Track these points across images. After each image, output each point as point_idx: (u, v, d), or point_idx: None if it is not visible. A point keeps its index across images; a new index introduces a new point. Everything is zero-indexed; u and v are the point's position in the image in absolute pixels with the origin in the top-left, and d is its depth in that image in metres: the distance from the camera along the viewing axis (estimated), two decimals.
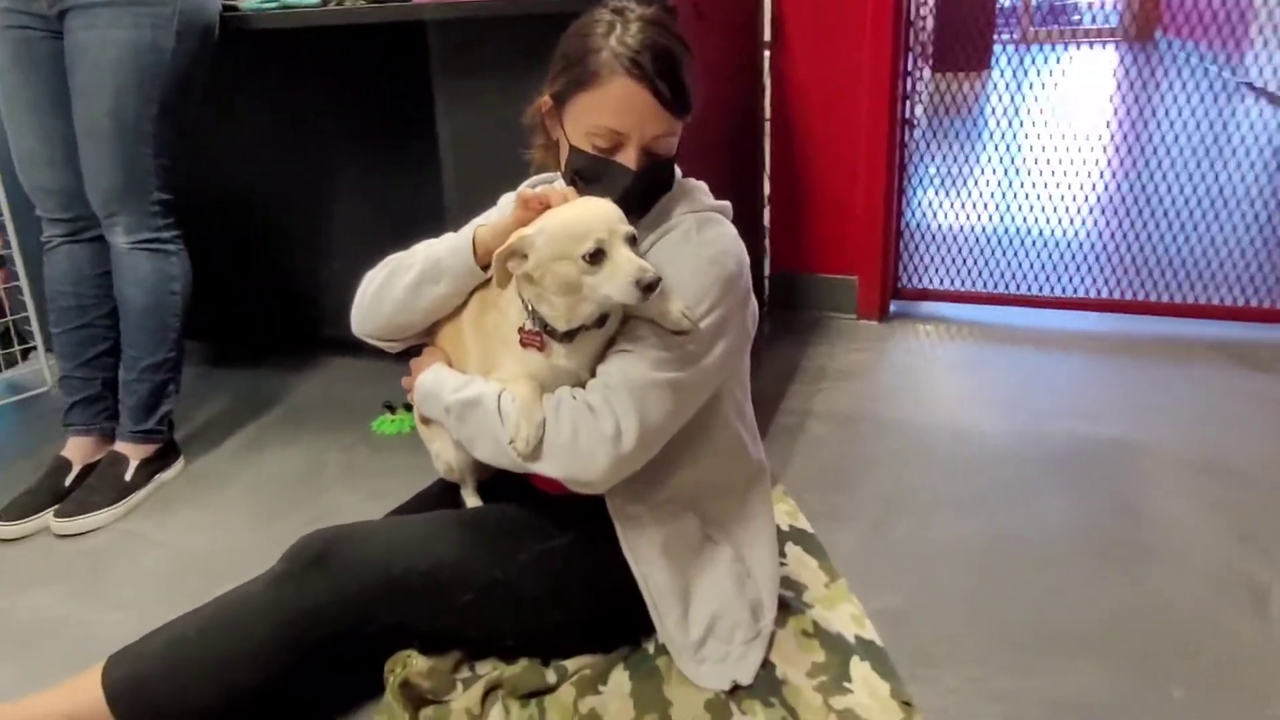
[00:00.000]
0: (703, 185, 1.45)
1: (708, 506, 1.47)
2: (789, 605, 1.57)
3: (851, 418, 2.38)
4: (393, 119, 2.55)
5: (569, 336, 1.30)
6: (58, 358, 2.22)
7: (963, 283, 3.19)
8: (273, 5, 2.15)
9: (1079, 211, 3.60)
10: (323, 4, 2.14)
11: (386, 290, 1.44)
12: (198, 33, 2.02)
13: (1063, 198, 3.32)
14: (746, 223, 2.98)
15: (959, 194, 3.25)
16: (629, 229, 1.24)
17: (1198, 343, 2.77)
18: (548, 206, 1.26)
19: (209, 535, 2.04)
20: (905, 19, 2.87)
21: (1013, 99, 3.16)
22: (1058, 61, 3.18)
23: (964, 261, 3.19)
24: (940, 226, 3.34)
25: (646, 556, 1.40)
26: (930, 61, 4.14)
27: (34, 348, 2.72)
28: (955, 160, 3.23)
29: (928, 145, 3.23)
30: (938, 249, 3.22)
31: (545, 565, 1.40)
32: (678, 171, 1.44)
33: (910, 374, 2.68)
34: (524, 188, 1.49)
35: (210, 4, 2.08)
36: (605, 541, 1.40)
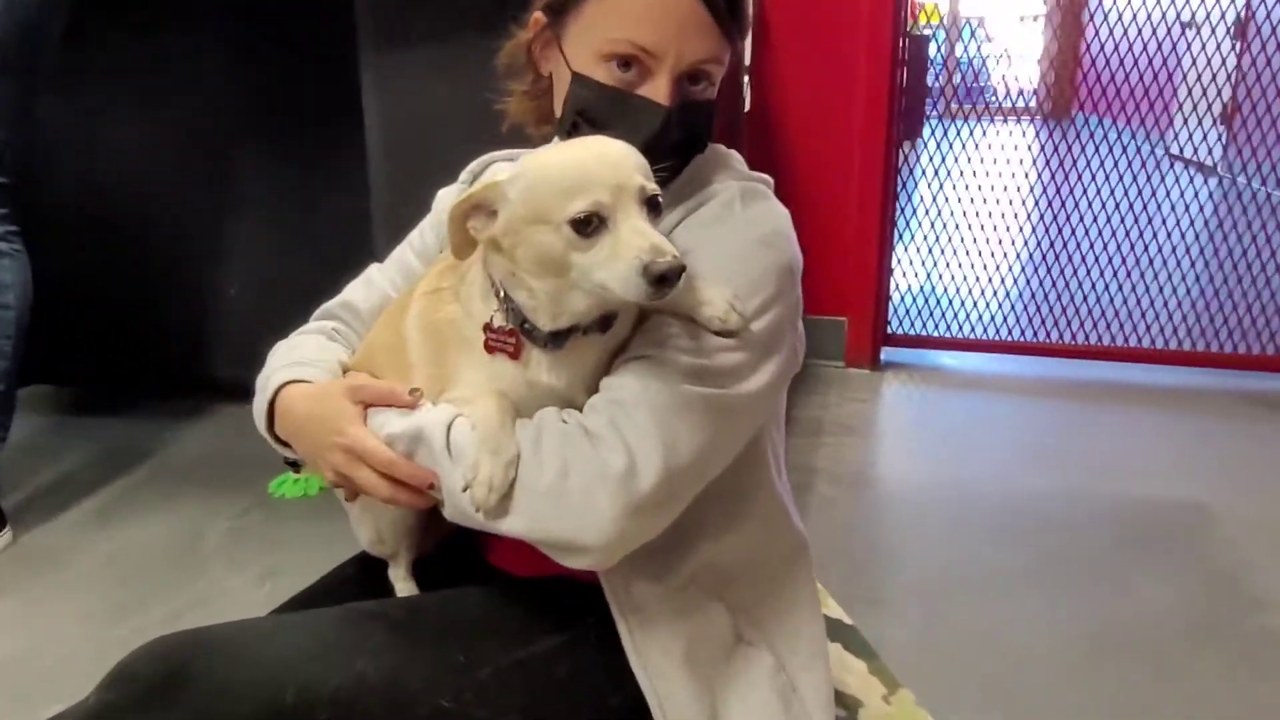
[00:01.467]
0: (736, 154, 1.13)
1: (740, 594, 1.11)
2: None
3: (864, 477, 2.15)
4: (308, 104, 2.24)
5: (556, 340, 0.92)
6: None
7: (949, 329, 3.09)
8: None
9: (1017, 265, 3.73)
10: None
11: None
12: None
13: (1002, 254, 3.39)
14: None
15: (907, 248, 3.33)
16: (649, 185, 0.88)
17: (1225, 394, 2.67)
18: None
19: (29, 635, 1.65)
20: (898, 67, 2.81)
21: (939, 167, 3.30)
22: (984, 134, 3.41)
23: (941, 309, 3.11)
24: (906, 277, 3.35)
25: (661, 667, 1.01)
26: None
27: None
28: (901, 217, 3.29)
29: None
30: (920, 296, 3.12)
31: (515, 684, 0.99)
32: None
33: (916, 428, 2.51)
34: (475, 167, 1.16)
35: None
36: (602, 647, 1.01)
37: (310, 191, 2.29)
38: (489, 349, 0.92)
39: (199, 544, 1.90)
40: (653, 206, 0.85)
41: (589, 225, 0.82)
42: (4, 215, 1.73)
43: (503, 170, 1.02)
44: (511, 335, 0.91)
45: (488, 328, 0.92)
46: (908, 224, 3.16)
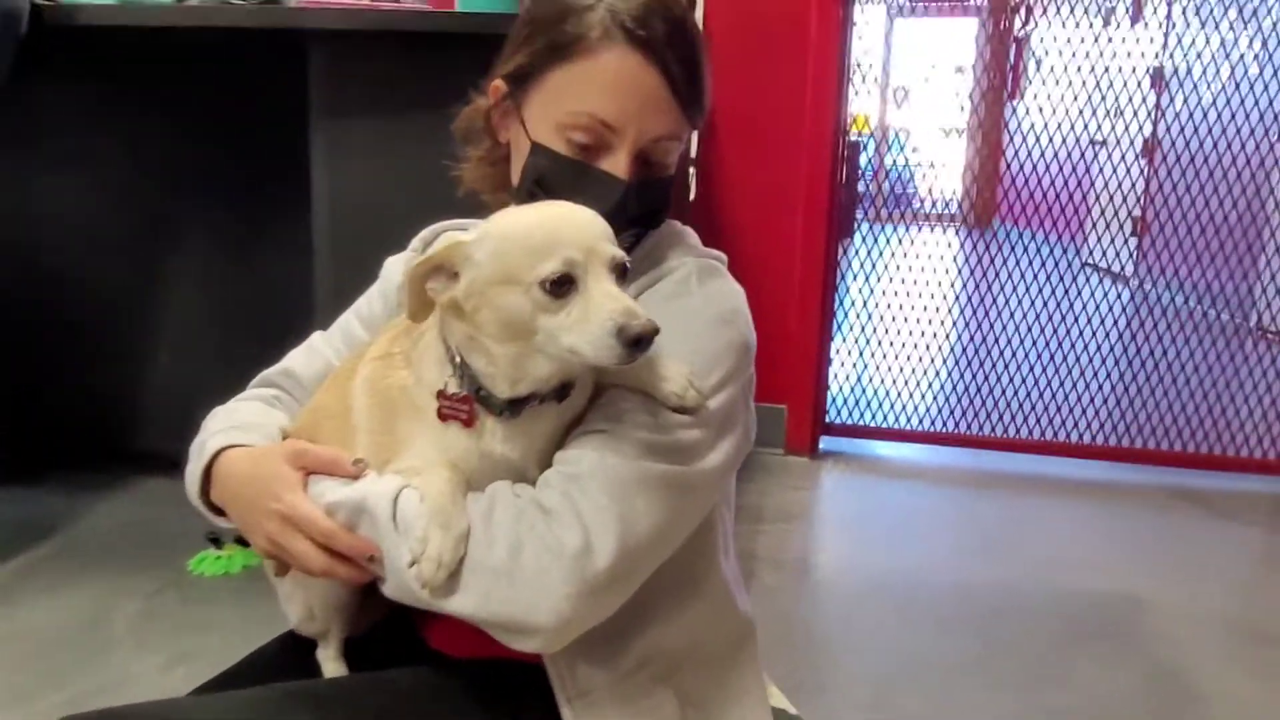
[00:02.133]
0: (690, 230, 1.12)
1: (688, 681, 1.05)
2: None
3: (806, 564, 2.13)
4: (253, 164, 2.18)
5: (512, 409, 0.88)
6: None
7: (884, 420, 3.12)
8: None
9: (940, 359, 3.78)
10: (176, 1, 1.72)
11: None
12: None
13: (934, 350, 3.48)
14: None
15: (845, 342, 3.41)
16: (617, 252, 0.86)
17: (1149, 488, 2.73)
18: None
19: None
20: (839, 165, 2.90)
21: (873, 265, 3.44)
22: (910, 240, 3.65)
23: (880, 401, 3.16)
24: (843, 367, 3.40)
25: None
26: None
27: None
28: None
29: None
30: (858, 386, 3.18)
31: None
32: None
33: (858, 517, 2.49)
34: (426, 235, 1.12)
35: None
36: None
37: (250, 259, 2.22)
38: (442, 416, 0.88)
39: (106, 625, 1.77)
40: (620, 273, 0.84)
41: (560, 287, 0.80)
42: None
43: (446, 242, 1.00)
44: (465, 402, 0.87)
45: (441, 394, 0.88)
46: (844, 319, 3.25)
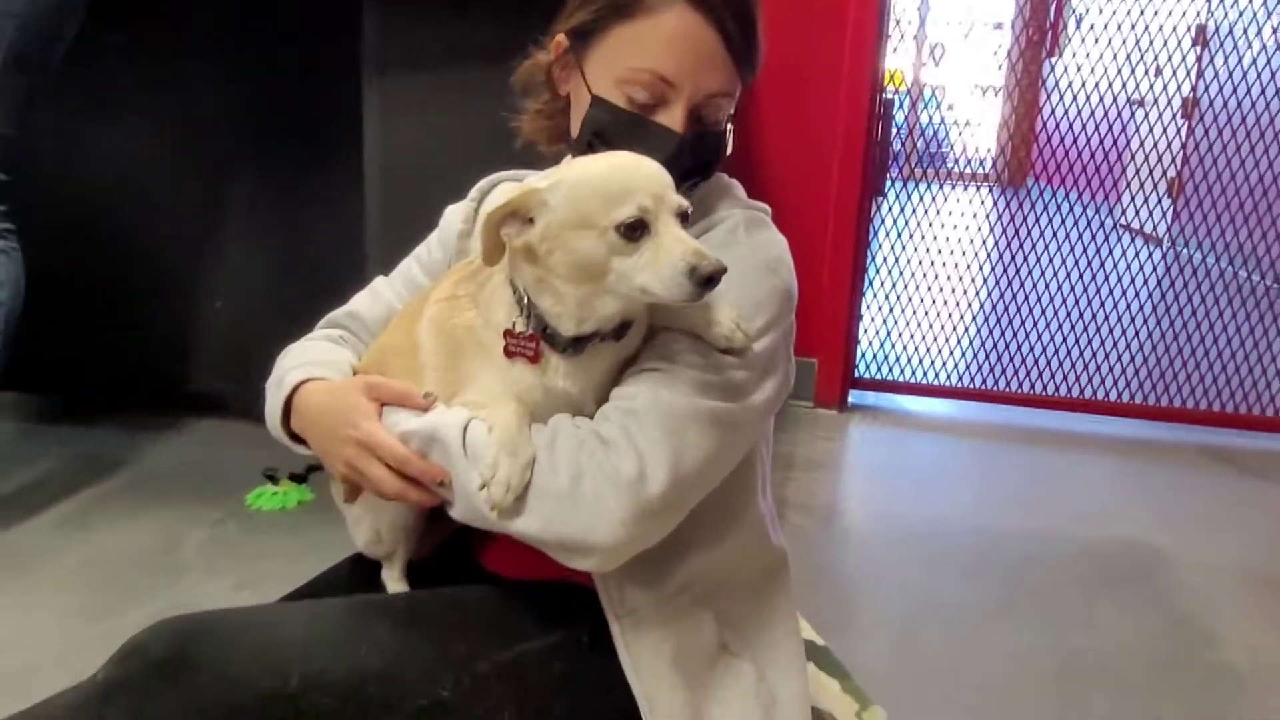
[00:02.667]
0: (736, 182, 1.17)
1: (726, 605, 1.12)
2: None
3: (834, 510, 2.16)
4: (308, 118, 2.20)
5: (575, 346, 0.95)
6: None
7: (912, 375, 3.13)
8: None
9: (970, 318, 3.80)
10: None
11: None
12: None
13: (964, 307, 3.49)
14: None
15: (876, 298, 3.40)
16: (681, 200, 0.91)
17: (1176, 446, 2.74)
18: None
19: (15, 633, 1.60)
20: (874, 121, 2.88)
21: (906, 222, 3.39)
22: (943, 198, 3.58)
23: (909, 357, 3.16)
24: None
25: (651, 669, 1.02)
26: None
27: None
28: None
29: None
30: (886, 342, 3.20)
31: (511, 679, 0.98)
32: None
33: (883, 466, 2.53)
34: (484, 185, 1.18)
35: None
36: (595, 648, 1.02)
37: (302, 210, 2.25)
38: (509, 354, 0.94)
39: (176, 551, 1.85)
40: (684, 219, 0.90)
41: (634, 230, 0.86)
42: (3, 212, 1.71)
43: (504, 192, 1.05)
44: (532, 340, 0.93)
45: (509, 333, 0.94)
46: (875, 275, 3.24)
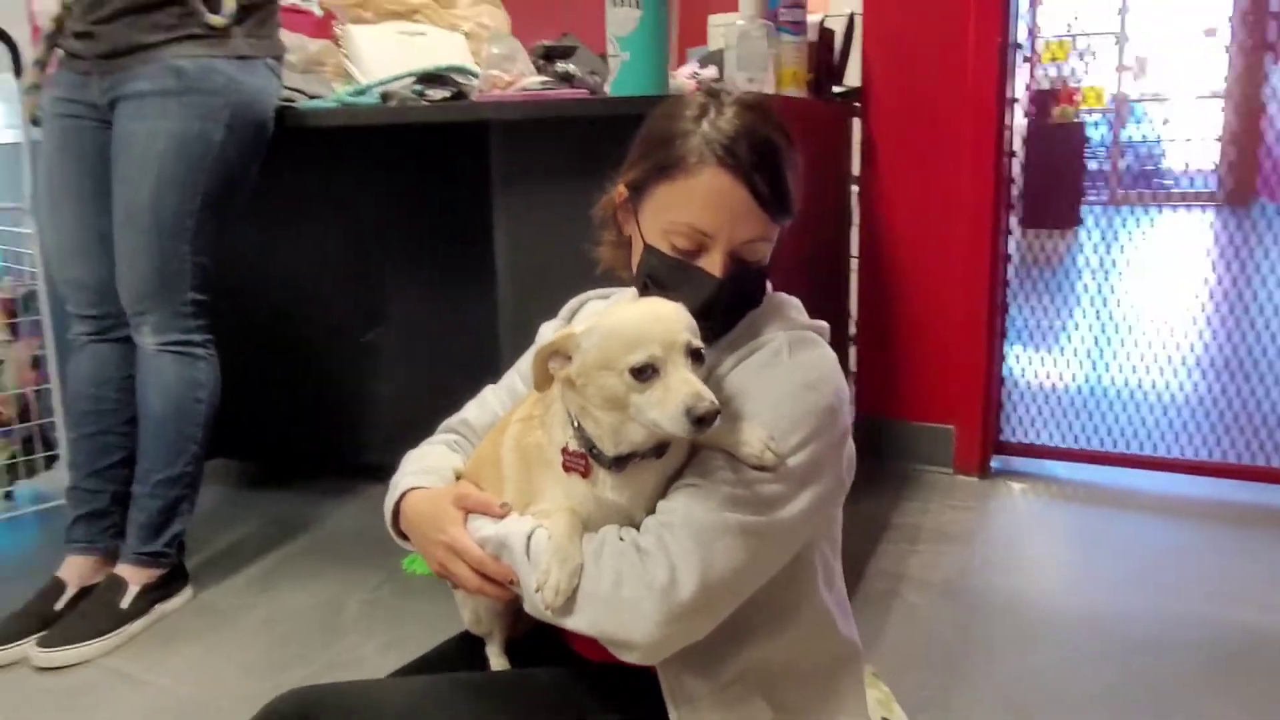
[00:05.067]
0: (796, 302, 1.25)
1: (785, 693, 1.18)
2: None
3: (954, 588, 2.07)
4: (449, 228, 2.44)
5: (619, 464, 1.06)
6: (69, 466, 2.07)
7: (1073, 439, 2.90)
8: (331, 103, 2.06)
9: (1185, 371, 3.30)
10: (382, 102, 2.03)
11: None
12: (249, 127, 1.94)
13: (1167, 357, 3.04)
14: None
15: (1052, 348, 3.04)
16: (695, 342, 1.01)
17: None
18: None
19: (203, 680, 1.80)
20: (1003, 158, 2.73)
21: (1102, 259, 3.00)
22: (1151, 224, 3.11)
23: (1070, 416, 2.91)
24: (1036, 380, 3.10)
25: None
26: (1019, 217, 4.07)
27: (57, 456, 2.58)
28: (1046, 315, 3.04)
29: (1014, 299, 2.97)
30: (1042, 402, 2.95)
31: None
32: (769, 285, 1.23)
33: (1019, 539, 2.37)
34: (574, 304, 1.34)
35: (264, 98, 1.99)
36: None
37: (449, 306, 2.47)
38: (565, 469, 1.07)
39: (340, 612, 2.01)
40: (697, 357, 1.00)
41: (644, 373, 0.97)
42: (202, 326, 1.96)
43: (589, 312, 1.19)
44: (582, 458, 1.05)
45: (565, 450, 1.07)
46: (1069, 318, 2.92)
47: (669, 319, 1.00)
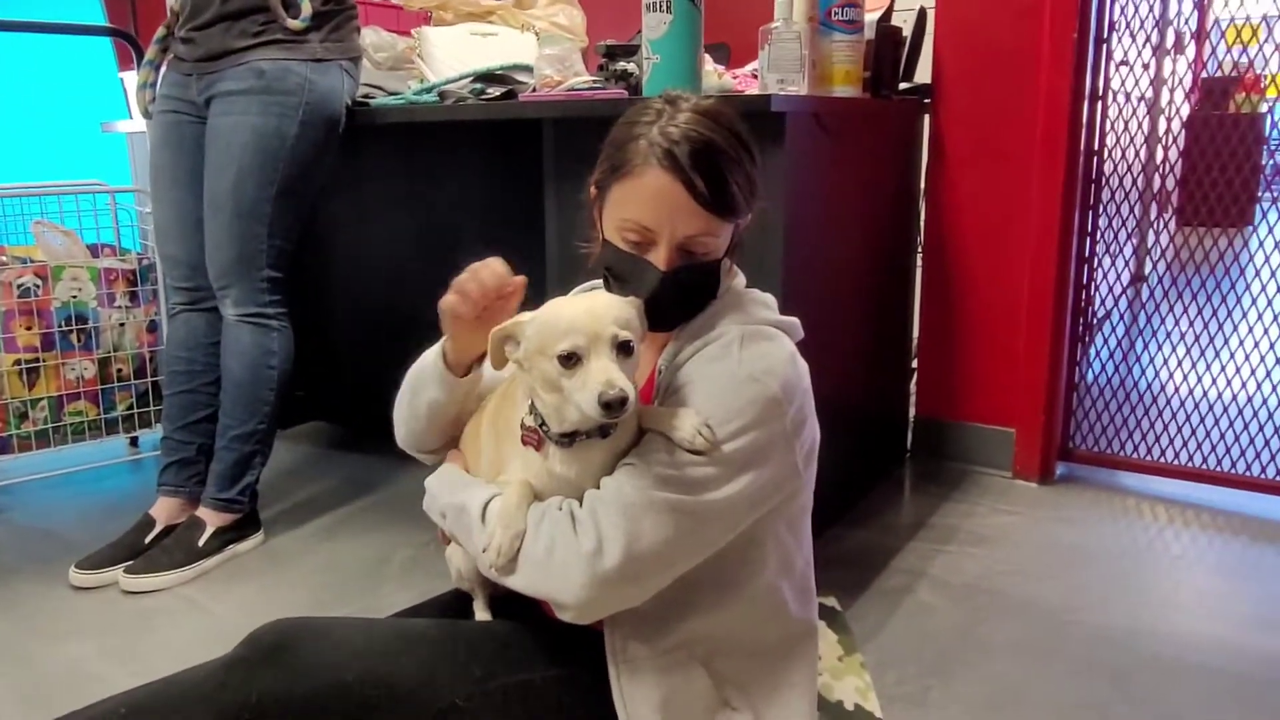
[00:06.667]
0: (766, 298, 1.31)
1: (726, 664, 1.25)
2: None
3: (973, 590, 2.04)
4: (511, 218, 2.58)
5: (567, 440, 1.16)
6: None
7: (1154, 452, 2.75)
8: (399, 100, 2.23)
9: None
10: (440, 101, 2.19)
11: (399, 399, 1.45)
12: (321, 123, 2.13)
13: None
14: (889, 359, 2.76)
15: (1203, 357, 2.74)
16: (622, 334, 1.09)
17: None
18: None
19: (256, 612, 1.99)
20: (1088, 147, 2.63)
21: (1268, 258, 2.67)
22: None
23: (1160, 428, 2.75)
24: (1164, 389, 2.82)
25: (639, 711, 1.19)
26: (1175, 214, 3.81)
27: None
28: (1201, 321, 2.72)
29: (1164, 301, 2.77)
30: (1128, 411, 2.78)
31: (516, 700, 1.20)
32: (740, 280, 1.31)
33: (1057, 547, 2.30)
34: (581, 289, 1.44)
35: (336, 97, 2.17)
36: (595, 687, 1.20)
37: None
38: (524, 442, 1.19)
39: (385, 565, 2.17)
40: (624, 350, 1.09)
41: (570, 360, 1.07)
42: (277, 300, 2.17)
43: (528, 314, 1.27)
44: (535, 433, 1.17)
45: (523, 425, 1.19)
46: (1218, 326, 2.60)
47: (598, 313, 1.10)
